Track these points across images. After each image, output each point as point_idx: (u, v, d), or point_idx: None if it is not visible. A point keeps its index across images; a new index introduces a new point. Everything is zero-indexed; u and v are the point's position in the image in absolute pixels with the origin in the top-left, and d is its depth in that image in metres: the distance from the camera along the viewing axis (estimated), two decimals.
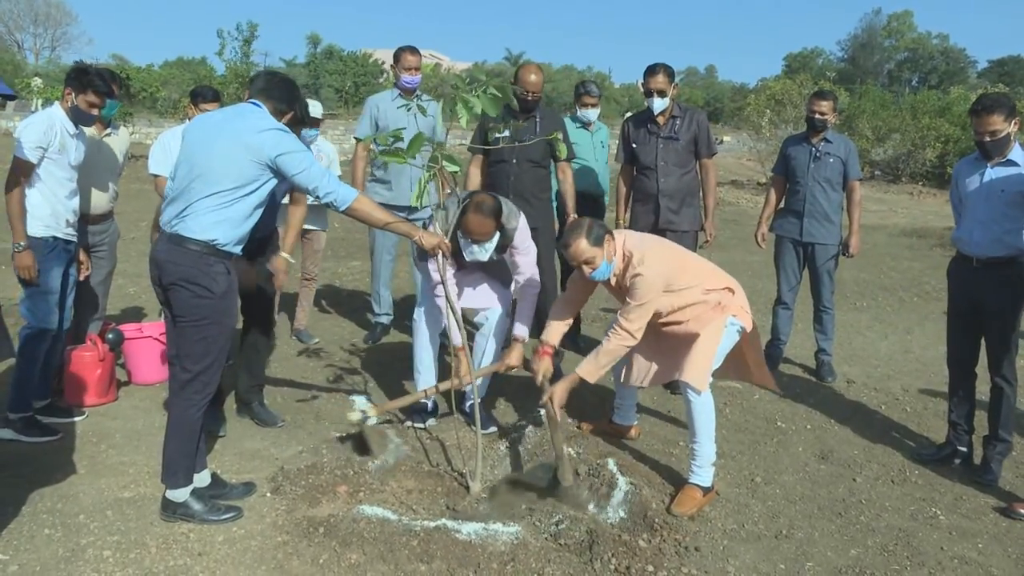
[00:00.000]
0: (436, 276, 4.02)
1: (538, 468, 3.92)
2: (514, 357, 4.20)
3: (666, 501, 3.66)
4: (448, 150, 3.53)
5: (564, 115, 5.97)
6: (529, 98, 5.02)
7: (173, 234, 3.20)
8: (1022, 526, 3.63)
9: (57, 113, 4.01)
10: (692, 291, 3.83)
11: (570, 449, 3.99)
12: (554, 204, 5.48)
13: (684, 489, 3.71)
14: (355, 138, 5.90)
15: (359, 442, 4.01)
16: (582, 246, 3.66)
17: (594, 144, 6.01)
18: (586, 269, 3.75)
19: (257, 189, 3.23)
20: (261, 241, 4.19)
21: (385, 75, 36.97)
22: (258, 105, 3.36)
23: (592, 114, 6.01)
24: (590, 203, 5.80)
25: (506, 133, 4.90)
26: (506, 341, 4.47)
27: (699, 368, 3.71)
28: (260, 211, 3.34)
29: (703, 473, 3.72)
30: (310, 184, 3.26)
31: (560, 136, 4.20)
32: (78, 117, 4.03)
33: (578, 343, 6.01)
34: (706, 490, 3.71)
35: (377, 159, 5.52)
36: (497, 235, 4.01)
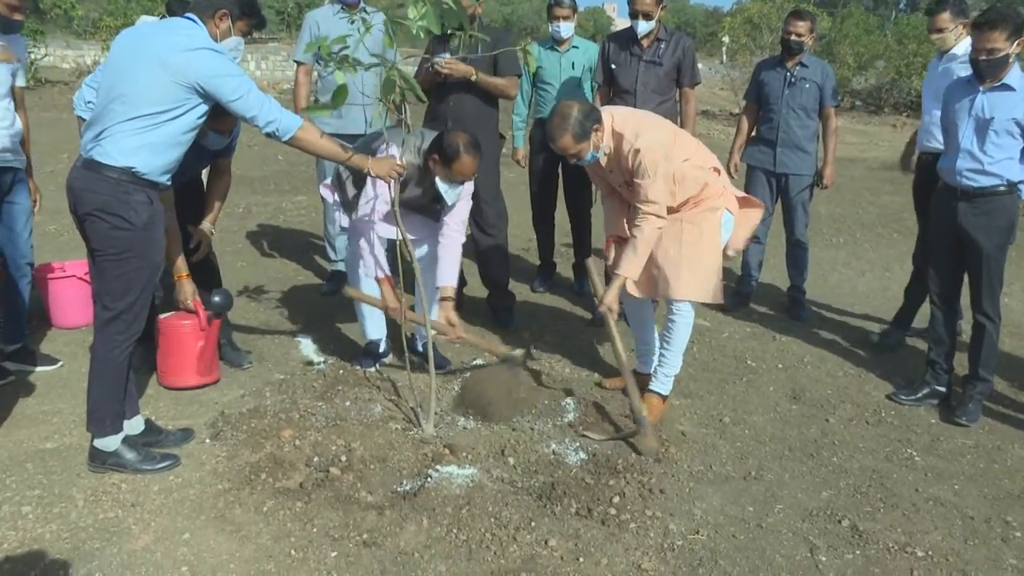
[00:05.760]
0: (366, 206, 3.95)
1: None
2: (453, 316, 4.07)
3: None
4: (401, 69, 3.40)
5: (534, 41, 5.64)
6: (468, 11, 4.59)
7: (89, 159, 3.08)
8: (999, 467, 3.72)
9: None
10: (686, 165, 3.85)
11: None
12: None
13: (646, 397, 3.96)
14: (295, 61, 5.64)
15: None
16: (567, 142, 3.69)
17: (563, 66, 5.56)
18: (572, 159, 3.82)
19: (183, 114, 3.11)
20: (182, 190, 3.86)
21: None
22: (195, 21, 3.21)
23: (564, 29, 5.46)
24: None
25: (446, 56, 4.62)
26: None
27: (705, 283, 3.89)
28: (189, 137, 3.21)
29: (667, 382, 4.05)
30: (248, 112, 3.15)
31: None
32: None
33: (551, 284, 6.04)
34: (664, 398, 4.04)
35: (322, 77, 5.31)
36: None
